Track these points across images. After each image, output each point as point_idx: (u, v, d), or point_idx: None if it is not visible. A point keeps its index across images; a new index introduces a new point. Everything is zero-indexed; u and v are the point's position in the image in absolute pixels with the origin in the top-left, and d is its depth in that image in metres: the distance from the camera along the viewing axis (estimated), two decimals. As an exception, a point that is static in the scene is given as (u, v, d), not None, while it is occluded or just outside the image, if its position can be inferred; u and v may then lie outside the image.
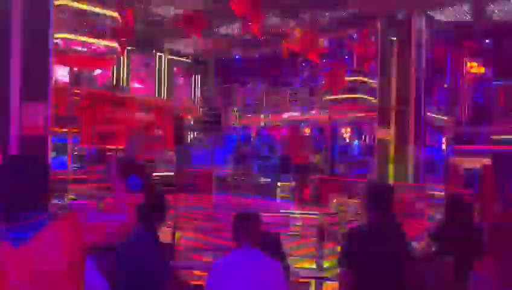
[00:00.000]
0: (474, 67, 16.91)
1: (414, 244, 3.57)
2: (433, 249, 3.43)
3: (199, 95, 19.32)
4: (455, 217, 3.39)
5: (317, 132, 18.34)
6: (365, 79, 14.61)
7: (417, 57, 11.03)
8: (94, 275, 1.90)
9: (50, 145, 5.75)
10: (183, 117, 15.96)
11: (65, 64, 10.61)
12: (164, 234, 3.65)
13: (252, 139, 19.41)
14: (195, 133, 17.50)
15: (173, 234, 4.52)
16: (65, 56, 9.39)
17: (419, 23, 11.18)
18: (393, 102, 10.99)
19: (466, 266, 2.80)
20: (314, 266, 4.24)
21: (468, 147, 13.97)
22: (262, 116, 18.66)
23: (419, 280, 2.89)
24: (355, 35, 10.96)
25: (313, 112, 17.19)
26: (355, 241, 2.71)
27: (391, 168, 10.83)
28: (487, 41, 14.72)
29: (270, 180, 12.48)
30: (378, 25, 11.54)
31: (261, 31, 10.02)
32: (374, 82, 13.79)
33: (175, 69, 18.36)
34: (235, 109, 18.91)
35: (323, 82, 14.37)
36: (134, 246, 2.83)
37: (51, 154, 6.97)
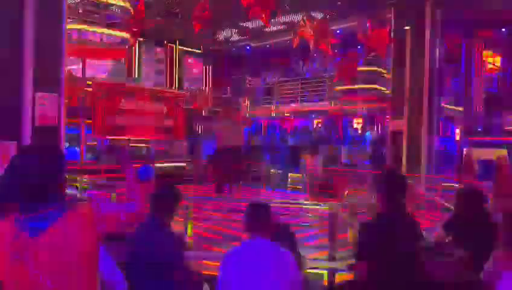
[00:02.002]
0: (490, 57, 16.61)
1: (428, 236, 3.54)
2: (447, 241, 3.40)
3: (210, 86, 19.31)
4: (468, 208, 3.35)
5: (329, 123, 18.25)
6: (378, 69, 14.45)
7: (431, 46, 10.84)
8: (109, 264, 1.91)
9: (64, 136, 5.79)
10: (194, 108, 15.98)
11: (78, 55, 10.66)
12: (176, 224, 3.67)
13: (262, 130, 19.37)
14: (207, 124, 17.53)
15: (185, 224, 4.55)
16: (78, 47, 9.43)
17: (433, 12, 10.98)
18: (406, 92, 10.84)
19: (480, 257, 2.76)
20: (326, 256, 4.23)
21: (482, 137, 13.77)
22: (273, 107, 18.60)
23: (432, 271, 2.87)
24: (368, 25, 10.77)
25: (325, 102, 17.09)
26: (372, 233, 2.70)
27: (404, 159, 10.73)
28: (503, 30, 14.40)
29: (280, 171, 12.45)
30: (392, 14, 11.37)
31: (271, 21, 9.93)
32: (386, 72, 13.63)
33: (186, 59, 18.36)
34: (246, 99, 18.88)
35: (335, 72, 14.23)
36: (146, 235, 2.85)
37: (64, 145, 7.03)
